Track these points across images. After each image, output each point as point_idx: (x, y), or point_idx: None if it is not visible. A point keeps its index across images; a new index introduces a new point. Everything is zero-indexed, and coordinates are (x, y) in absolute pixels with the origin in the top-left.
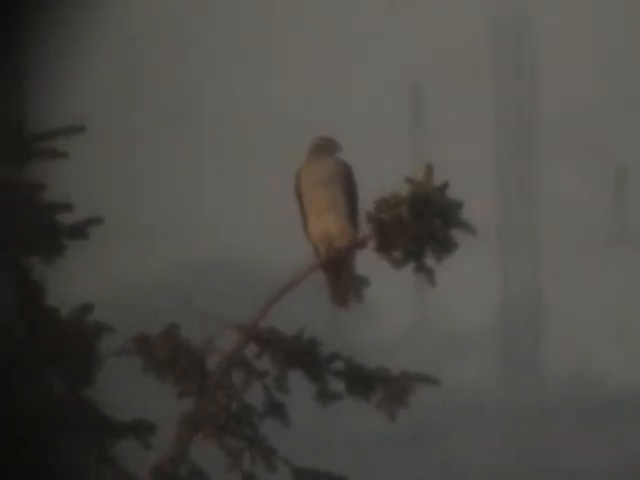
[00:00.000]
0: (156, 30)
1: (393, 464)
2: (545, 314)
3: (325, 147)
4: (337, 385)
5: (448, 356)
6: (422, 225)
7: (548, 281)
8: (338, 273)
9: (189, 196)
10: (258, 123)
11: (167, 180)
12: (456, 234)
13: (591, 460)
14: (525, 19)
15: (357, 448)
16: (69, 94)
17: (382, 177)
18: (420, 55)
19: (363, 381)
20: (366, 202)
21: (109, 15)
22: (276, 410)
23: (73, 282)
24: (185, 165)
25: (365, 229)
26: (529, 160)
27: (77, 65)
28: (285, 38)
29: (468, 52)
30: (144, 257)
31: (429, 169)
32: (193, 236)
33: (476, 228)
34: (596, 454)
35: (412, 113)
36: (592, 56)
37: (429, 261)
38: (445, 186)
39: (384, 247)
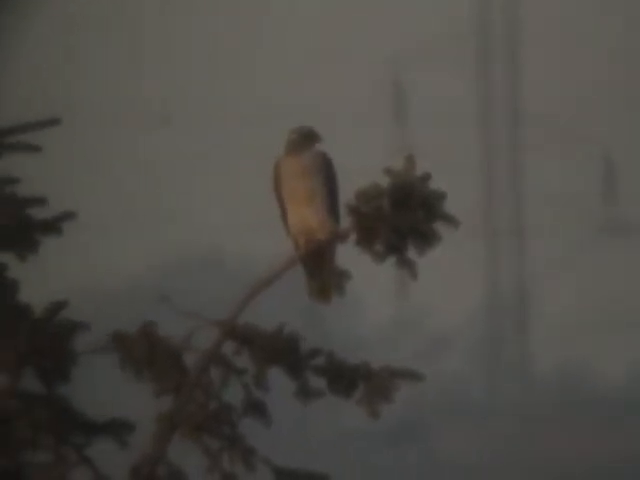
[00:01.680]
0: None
1: (375, 462)
2: (532, 307)
3: (305, 137)
4: (317, 381)
5: (431, 350)
6: (404, 217)
7: (534, 273)
8: (318, 267)
9: (166, 194)
10: (236, 117)
11: (144, 177)
12: (439, 227)
13: (576, 454)
14: (510, 6)
15: (339, 446)
16: (48, 87)
17: (365, 168)
18: (403, 43)
19: (345, 378)
20: (348, 195)
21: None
22: (256, 409)
23: (47, 279)
24: (162, 161)
25: (346, 222)
26: (515, 149)
27: (55, 57)
28: (269, 29)
29: (452, 40)
30: (120, 254)
31: (410, 159)
32: (171, 234)
33: (460, 220)
34: (581, 448)
35: (395, 102)
36: (577, 44)
37: (411, 254)
38: (427, 177)
39: (365, 240)
